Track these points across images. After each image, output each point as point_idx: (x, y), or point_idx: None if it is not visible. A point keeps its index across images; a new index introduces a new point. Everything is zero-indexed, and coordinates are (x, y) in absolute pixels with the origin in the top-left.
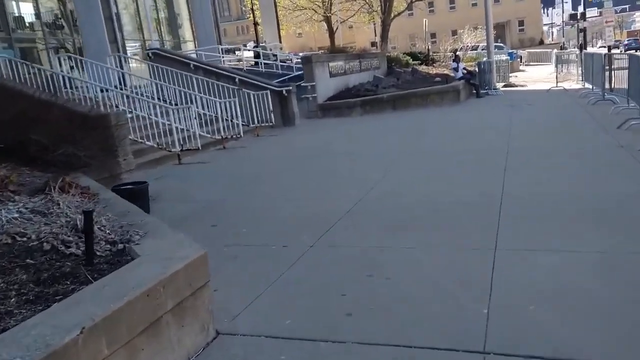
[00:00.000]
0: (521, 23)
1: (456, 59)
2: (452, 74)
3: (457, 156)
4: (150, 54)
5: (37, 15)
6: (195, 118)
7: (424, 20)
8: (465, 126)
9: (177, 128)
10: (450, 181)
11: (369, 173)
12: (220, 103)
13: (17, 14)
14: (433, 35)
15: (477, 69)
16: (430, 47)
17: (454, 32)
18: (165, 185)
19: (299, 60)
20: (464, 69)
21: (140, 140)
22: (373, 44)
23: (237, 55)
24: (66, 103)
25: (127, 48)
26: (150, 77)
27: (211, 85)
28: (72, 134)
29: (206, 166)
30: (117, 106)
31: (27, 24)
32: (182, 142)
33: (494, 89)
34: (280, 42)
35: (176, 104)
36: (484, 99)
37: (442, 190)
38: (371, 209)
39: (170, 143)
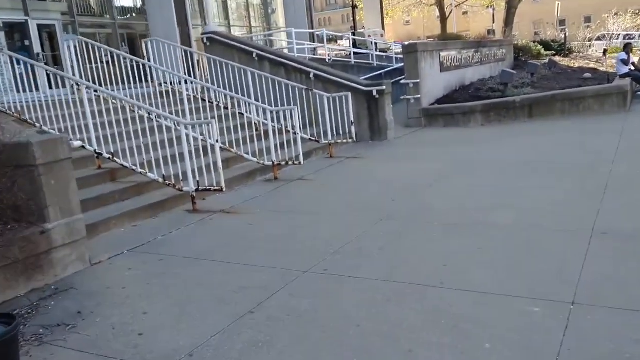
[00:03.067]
0: None
1: (626, 49)
2: (615, 69)
3: None
4: (205, 40)
5: None
6: (218, 140)
7: (557, 3)
8: None
9: (191, 152)
10: None
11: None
12: (272, 112)
13: None
14: (562, 22)
15: None
16: (567, 34)
17: (587, 19)
18: (132, 274)
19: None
20: (633, 63)
21: (140, 170)
22: (490, 32)
23: (338, 45)
24: None
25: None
26: (212, 71)
27: (272, 83)
28: None
29: (230, 223)
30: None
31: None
32: (198, 177)
33: None
34: (383, 29)
35: (226, 107)
36: None
37: None
38: None
39: (180, 177)
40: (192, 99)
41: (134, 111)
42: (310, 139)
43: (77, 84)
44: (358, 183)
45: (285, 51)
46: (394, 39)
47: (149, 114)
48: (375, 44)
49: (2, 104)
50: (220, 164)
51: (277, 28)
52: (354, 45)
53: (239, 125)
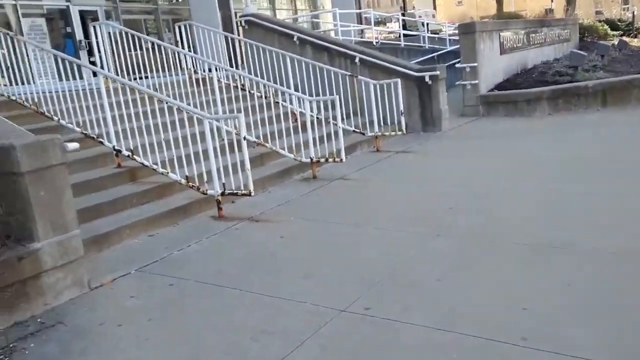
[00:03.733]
0: None
1: None
2: None
3: None
4: (243, 23)
5: None
6: (245, 137)
7: None
8: None
9: (216, 150)
10: None
11: None
12: (311, 102)
13: None
14: (625, 1)
15: None
16: (635, 12)
17: None
18: (133, 305)
19: (455, 30)
20: None
21: (162, 170)
22: (548, 11)
23: (387, 27)
24: None
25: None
26: (250, 57)
27: (312, 70)
28: None
29: (258, 235)
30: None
31: None
32: (224, 178)
33: None
34: (434, 9)
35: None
36: None
37: None
38: None
39: (205, 177)
40: (223, 87)
41: (161, 102)
42: (354, 130)
43: (94, 73)
44: (408, 184)
45: (331, 34)
46: (446, 20)
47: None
48: (427, 24)
49: (19, 94)
50: (248, 164)
51: (324, 10)
52: (404, 27)
53: (274, 116)
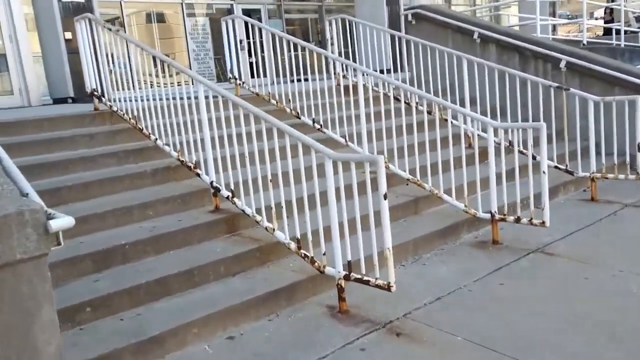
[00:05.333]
0: None
1: None
2: None
3: None
4: (410, 17)
5: None
6: (386, 195)
7: None
8: None
9: (341, 193)
10: None
11: None
12: (498, 129)
13: None
14: None
15: None
16: None
17: None
18: None
19: None
20: None
21: (266, 224)
22: None
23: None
24: None
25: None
26: (414, 59)
27: (498, 77)
28: None
29: None
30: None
31: None
32: (350, 251)
33: None
34: None
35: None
36: None
37: None
38: None
39: (323, 244)
40: (371, 98)
41: (267, 121)
42: (556, 166)
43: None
44: None
45: (515, 29)
46: None
47: (313, 121)
48: None
49: (118, 100)
50: (389, 241)
51: (506, 4)
52: (612, 21)
53: (438, 140)
